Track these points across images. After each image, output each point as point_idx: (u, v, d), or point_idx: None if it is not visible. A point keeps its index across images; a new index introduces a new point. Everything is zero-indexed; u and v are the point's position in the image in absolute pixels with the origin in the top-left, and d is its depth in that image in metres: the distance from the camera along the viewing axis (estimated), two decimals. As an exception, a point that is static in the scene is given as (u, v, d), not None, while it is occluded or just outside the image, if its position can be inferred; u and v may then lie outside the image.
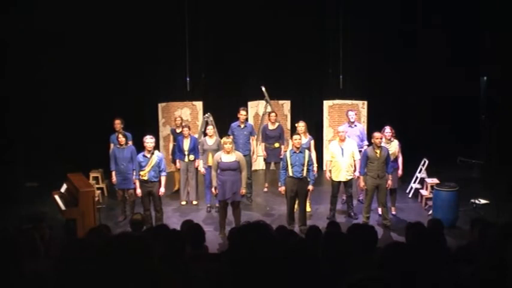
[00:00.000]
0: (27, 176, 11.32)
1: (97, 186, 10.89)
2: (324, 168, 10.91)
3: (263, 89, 12.10)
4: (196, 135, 10.98)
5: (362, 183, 9.37)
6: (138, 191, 9.16)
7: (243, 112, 10.67)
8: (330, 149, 9.82)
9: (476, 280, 3.61)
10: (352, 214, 9.84)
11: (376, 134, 9.21)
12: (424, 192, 10.59)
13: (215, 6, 12.24)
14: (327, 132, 12.79)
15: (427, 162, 10.92)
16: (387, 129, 9.64)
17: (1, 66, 10.99)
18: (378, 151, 9.15)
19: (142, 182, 9.12)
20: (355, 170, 9.69)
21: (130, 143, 9.90)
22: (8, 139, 11.18)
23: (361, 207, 9.83)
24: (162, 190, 9.16)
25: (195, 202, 10.63)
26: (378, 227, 8.79)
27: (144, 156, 9.10)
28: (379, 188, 9.28)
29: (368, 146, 10.00)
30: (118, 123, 10.19)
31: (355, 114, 10.87)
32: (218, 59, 12.60)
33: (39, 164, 11.19)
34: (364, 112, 12.54)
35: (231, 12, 12.30)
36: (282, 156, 9.96)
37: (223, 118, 11.40)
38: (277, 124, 11.17)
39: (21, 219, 8.96)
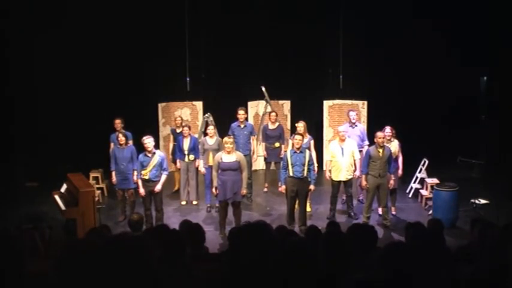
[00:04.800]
0: (27, 176, 11.32)
1: (97, 186, 10.89)
2: (324, 168, 10.91)
3: (263, 89, 12.11)
4: (196, 135, 10.98)
5: (364, 182, 9.38)
6: (142, 191, 9.17)
7: (240, 112, 10.67)
8: (330, 148, 9.83)
9: (476, 280, 3.61)
10: (352, 214, 9.85)
11: (379, 134, 9.24)
12: (424, 192, 10.60)
13: (215, 6, 12.23)
14: (327, 132, 12.79)
15: (427, 162, 10.92)
16: (387, 129, 9.65)
17: (2, 67, 10.99)
18: (381, 150, 9.17)
19: (144, 182, 9.12)
20: (355, 170, 9.70)
21: (130, 142, 9.90)
22: (9, 139, 11.18)
23: (361, 207, 9.84)
24: (158, 187, 9.15)
25: (195, 202, 10.63)
26: (378, 227, 8.79)
27: (145, 155, 9.11)
28: (380, 188, 9.29)
29: (369, 146, 10.02)
30: (118, 123, 10.19)
31: (356, 114, 10.87)
32: (218, 59, 12.59)
33: (39, 164, 11.19)
34: (364, 112, 12.54)
35: (231, 13, 12.30)
36: (282, 156, 9.98)
37: (223, 118, 11.39)
38: (277, 124, 11.18)
39: (21, 219, 8.98)
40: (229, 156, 8.85)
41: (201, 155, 10.18)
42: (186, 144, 10.34)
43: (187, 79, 12.29)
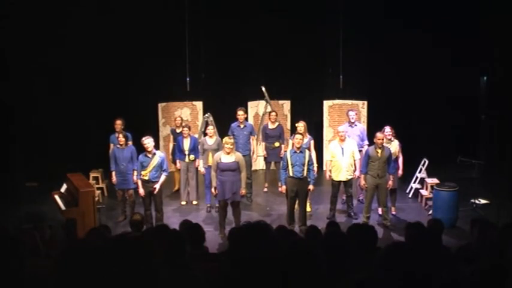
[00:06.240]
0: (27, 176, 11.32)
1: (97, 186, 10.89)
2: (324, 168, 10.91)
3: (263, 89, 12.12)
4: (196, 135, 10.98)
5: (363, 182, 9.40)
6: (141, 191, 9.17)
7: (240, 112, 10.69)
8: (330, 148, 9.83)
9: (476, 280, 3.61)
10: (352, 214, 9.86)
11: (379, 135, 9.25)
12: (424, 192, 10.60)
13: (215, 6, 12.23)
14: (327, 132, 12.78)
15: (427, 162, 10.92)
16: (387, 129, 9.66)
17: (2, 67, 10.99)
18: (379, 151, 9.18)
19: (144, 182, 9.13)
20: (355, 170, 9.70)
21: (130, 143, 9.90)
22: (8, 139, 11.18)
23: (361, 207, 9.84)
24: (156, 186, 9.15)
25: (195, 202, 10.64)
26: (378, 227, 8.80)
27: (145, 156, 9.11)
28: (379, 188, 9.30)
29: (369, 145, 10.03)
30: (119, 124, 10.17)
31: (356, 114, 10.88)
32: (218, 59, 12.60)
33: (39, 164, 11.19)
34: (364, 112, 12.54)
35: (231, 12, 12.30)
36: (282, 156, 9.98)
37: (223, 118, 11.40)
38: (277, 123, 11.19)
39: (21, 219, 8.97)
40: (228, 157, 8.85)
41: (200, 155, 10.19)
42: (186, 144, 10.34)
43: (187, 79, 12.30)
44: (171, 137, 11.20)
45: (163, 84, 12.46)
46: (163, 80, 12.39)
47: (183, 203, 10.66)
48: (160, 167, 9.13)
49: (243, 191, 9.08)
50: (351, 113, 10.67)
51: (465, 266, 4.06)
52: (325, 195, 10.47)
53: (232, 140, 9.06)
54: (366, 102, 12.58)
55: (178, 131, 10.81)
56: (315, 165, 9.46)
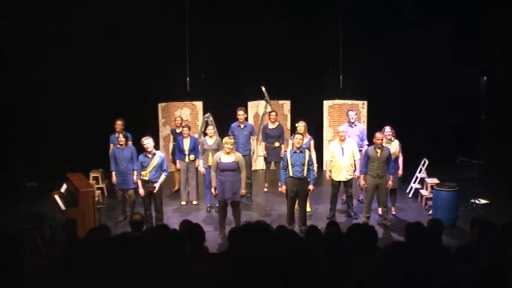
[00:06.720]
0: (27, 176, 11.32)
1: (97, 186, 10.89)
2: (324, 168, 10.92)
3: (263, 89, 12.12)
4: (196, 135, 10.98)
5: (362, 182, 9.40)
6: (141, 191, 9.18)
7: (240, 112, 10.69)
8: (330, 148, 9.83)
9: (476, 280, 3.61)
10: (352, 214, 9.86)
11: (378, 135, 9.24)
12: (424, 192, 10.60)
13: (215, 6, 12.23)
14: (327, 132, 12.79)
15: (427, 162, 10.92)
16: (387, 129, 9.66)
17: (2, 67, 10.99)
18: (379, 151, 9.18)
19: (144, 182, 9.13)
20: (355, 170, 9.70)
21: (130, 143, 9.90)
22: (8, 139, 11.18)
23: (361, 207, 9.84)
24: (156, 185, 9.14)
25: (195, 202, 10.64)
26: (378, 227, 8.80)
27: (145, 156, 9.11)
28: (379, 188, 9.30)
29: (368, 145, 10.03)
30: (120, 124, 10.16)
31: (355, 114, 10.88)
32: (218, 59, 12.60)
33: (39, 164, 11.19)
34: (364, 112, 12.54)
35: (231, 12, 12.29)
36: (282, 156, 9.98)
37: (223, 118, 11.40)
38: (277, 123, 11.20)
39: (21, 219, 8.98)
40: (228, 157, 8.85)
41: (200, 155, 10.20)
42: (186, 144, 10.34)
43: (187, 79, 12.30)
44: (171, 137, 11.20)
45: (163, 84, 12.46)
46: (163, 80, 12.39)
47: (183, 203, 10.66)
48: (160, 167, 9.14)
49: (243, 191, 9.08)
50: (350, 113, 10.67)
51: (465, 266, 4.06)
52: (325, 195, 10.47)
53: (232, 140, 9.06)
54: (366, 102, 12.58)
55: (178, 131, 10.81)
56: (315, 165, 9.46)
